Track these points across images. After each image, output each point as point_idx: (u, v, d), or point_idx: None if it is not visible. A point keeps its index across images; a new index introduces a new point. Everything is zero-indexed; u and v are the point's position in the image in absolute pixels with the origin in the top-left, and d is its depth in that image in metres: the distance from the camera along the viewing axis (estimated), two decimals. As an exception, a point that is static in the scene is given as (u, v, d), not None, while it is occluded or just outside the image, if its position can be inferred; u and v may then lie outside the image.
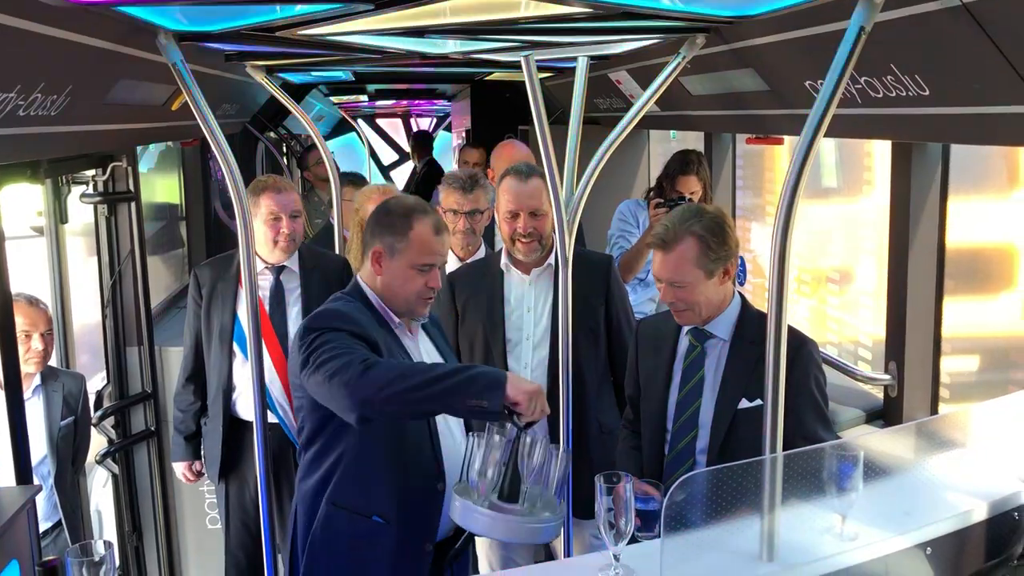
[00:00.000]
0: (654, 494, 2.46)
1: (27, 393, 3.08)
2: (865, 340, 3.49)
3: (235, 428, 3.59)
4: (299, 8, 2.14)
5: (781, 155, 4.23)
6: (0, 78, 1.94)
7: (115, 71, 2.63)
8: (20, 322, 3.01)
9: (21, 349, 3.00)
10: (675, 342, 2.59)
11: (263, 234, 3.41)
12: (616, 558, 1.99)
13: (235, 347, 3.54)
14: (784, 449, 2.09)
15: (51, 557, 1.64)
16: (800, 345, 2.39)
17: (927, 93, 2.14)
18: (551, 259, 3.10)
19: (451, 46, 3.15)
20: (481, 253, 3.63)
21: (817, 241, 3.97)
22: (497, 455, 2.15)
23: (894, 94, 2.27)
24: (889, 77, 2.23)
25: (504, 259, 3.15)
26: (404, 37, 2.85)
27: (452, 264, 3.58)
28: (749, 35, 2.73)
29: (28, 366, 3.20)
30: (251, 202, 3.33)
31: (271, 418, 3.43)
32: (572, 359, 2.90)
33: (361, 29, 2.60)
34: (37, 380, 3.32)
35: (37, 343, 3.23)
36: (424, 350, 2.49)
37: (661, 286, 2.49)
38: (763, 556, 2.03)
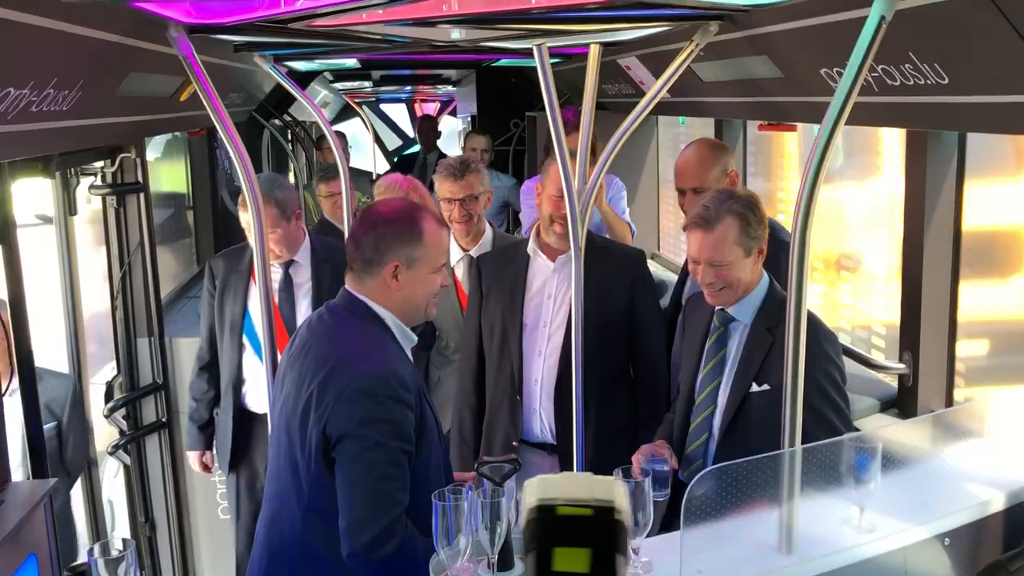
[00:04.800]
0: (664, 455, 2.52)
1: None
2: (878, 328, 3.47)
3: (245, 420, 3.61)
4: (306, 9, 2.12)
5: (790, 141, 4.20)
6: (14, 75, 1.94)
7: (126, 64, 2.62)
8: None
9: None
10: (710, 320, 2.67)
11: None
12: (635, 552, 1.99)
13: (245, 340, 3.55)
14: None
15: (81, 561, 1.64)
16: (809, 337, 2.39)
17: (946, 81, 2.12)
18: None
19: (460, 34, 3.13)
20: (488, 237, 3.61)
21: (827, 225, 3.95)
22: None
23: (912, 82, 2.25)
24: (907, 65, 2.21)
25: (532, 244, 3.15)
26: (414, 26, 2.83)
27: (455, 253, 3.57)
28: (764, 22, 2.71)
29: None
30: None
31: None
32: (585, 350, 2.91)
33: (371, 19, 2.58)
34: (15, 383, 3.12)
35: None
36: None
37: (698, 268, 2.54)
38: (782, 548, 2.03)
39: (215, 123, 2.51)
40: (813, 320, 2.50)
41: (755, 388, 2.51)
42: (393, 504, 2.01)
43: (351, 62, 6.09)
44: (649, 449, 2.61)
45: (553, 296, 3.09)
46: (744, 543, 2.06)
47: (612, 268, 3.06)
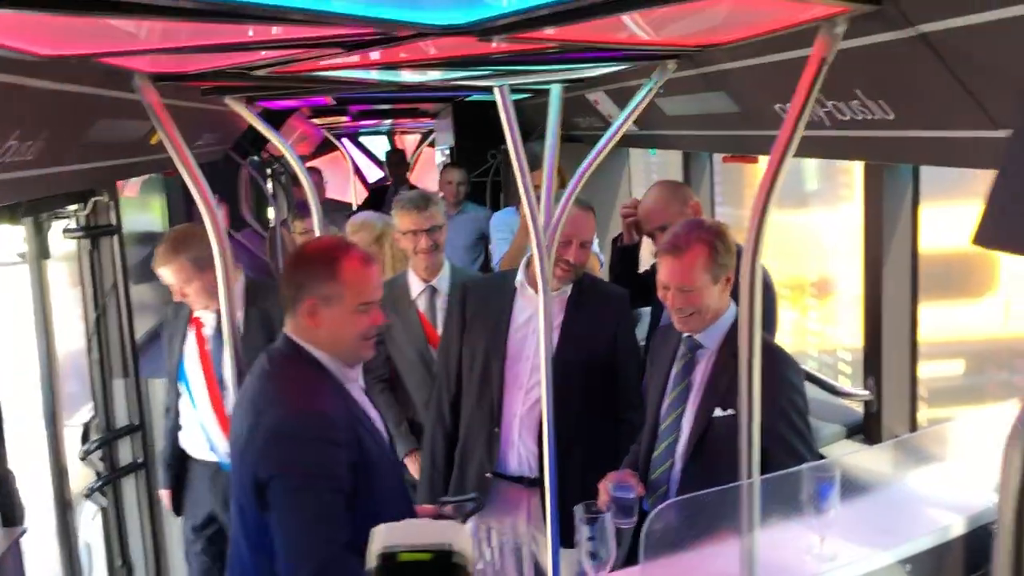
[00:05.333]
0: (631, 483, 2.56)
1: None
2: (844, 355, 3.52)
3: (184, 462, 3.71)
4: (271, 57, 2.16)
5: (759, 170, 4.28)
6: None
7: (93, 112, 2.65)
8: None
9: None
10: (676, 348, 2.72)
11: None
12: (598, 586, 2.01)
13: (180, 385, 3.63)
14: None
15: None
16: (772, 366, 2.43)
17: (892, 117, 2.18)
18: (568, 287, 3.14)
19: (428, 75, 3.18)
20: (447, 270, 3.63)
21: (797, 251, 4.02)
22: None
23: (861, 117, 2.31)
24: (855, 102, 2.27)
25: (521, 276, 3.18)
26: (380, 70, 2.88)
27: (416, 287, 3.59)
28: (719, 60, 2.78)
29: None
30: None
31: (212, 457, 3.55)
32: (566, 387, 2.92)
33: (338, 64, 2.62)
34: None
35: None
36: (367, 405, 2.35)
37: (668, 294, 2.60)
38: (744, 579, 2.06)
39: (181, 171, 2.54)
40: (774, 348, 2.55)
41: (719, 412, 2.55)
42: (326, 543, 2.00)
43: (325, 100, 6.14)
44: (616, 477, 2.65)
45: (538, 331, 3.12)
46: (705, 575, 2.08)
47: (599, 306, 3.12)
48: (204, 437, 3.58)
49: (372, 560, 1.08)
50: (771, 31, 2.11)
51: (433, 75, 3.01)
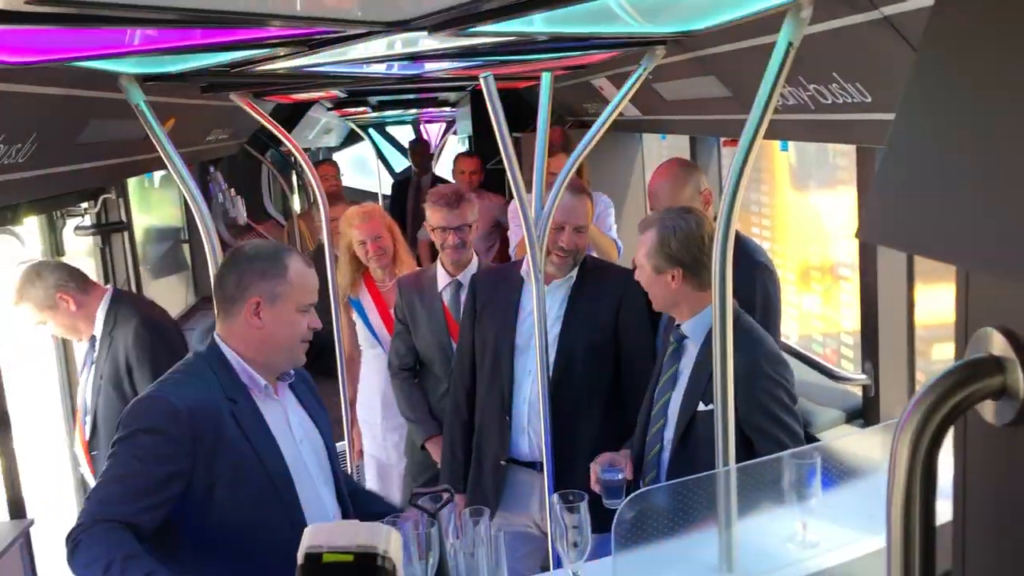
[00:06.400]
0: (620, 464, 2.56)
1: None
2: (847, 339, 3.49)
3: None
4: (246, 54, 2.18)
5: (768, 153, 4.24)
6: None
7: (85, 114, 2.70)
8: None
9: None
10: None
11: None
12: (575, 575, 2.02)
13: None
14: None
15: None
16: (748, 358, 2.40)
17: (870, 100, 2.16)
18: (574, 272, 3.15)
19: (416, 67, 3.19)
20: (473, 267, 3.67)
21: (803, 234, 3.97)
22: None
23: (841, 100, 2.28)
24: (834, 85, 2.25)
25: (525, 266, 3.20)
26: (368, 64, 2.89)
27: (443, 280, 3.64)
28: (706, 44, 2.76)
29: None
30: None
31: None
32: (568, 372, 3.01)
33: (320, 61, 2.64)
34: None
35: None
36: (292, 413, 2.25)
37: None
38: (722, 567, 2.06)
39: (171, 170, 2.58)
40: (754, 338, 2.51)
41: (701, 408, 2.51)
42: (101, 504, 1.93)
43: (332, 94, 6.16)
44: (607, 458, 2.65)
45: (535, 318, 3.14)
46: (685, 564, 2.08)
47: (600, 289, 3.12)
48: None
49: (299, 559, 1.10)
50: (743, 18, 2.09)
51: (423, 66, 3.02)
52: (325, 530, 1.13)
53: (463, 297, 3.55)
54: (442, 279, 3.63)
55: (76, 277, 3.26)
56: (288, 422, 2.21)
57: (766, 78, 1.90)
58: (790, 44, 1.88)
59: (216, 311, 2.19)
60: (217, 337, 2.17)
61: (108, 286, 3.43)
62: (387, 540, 1.11)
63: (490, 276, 3.39)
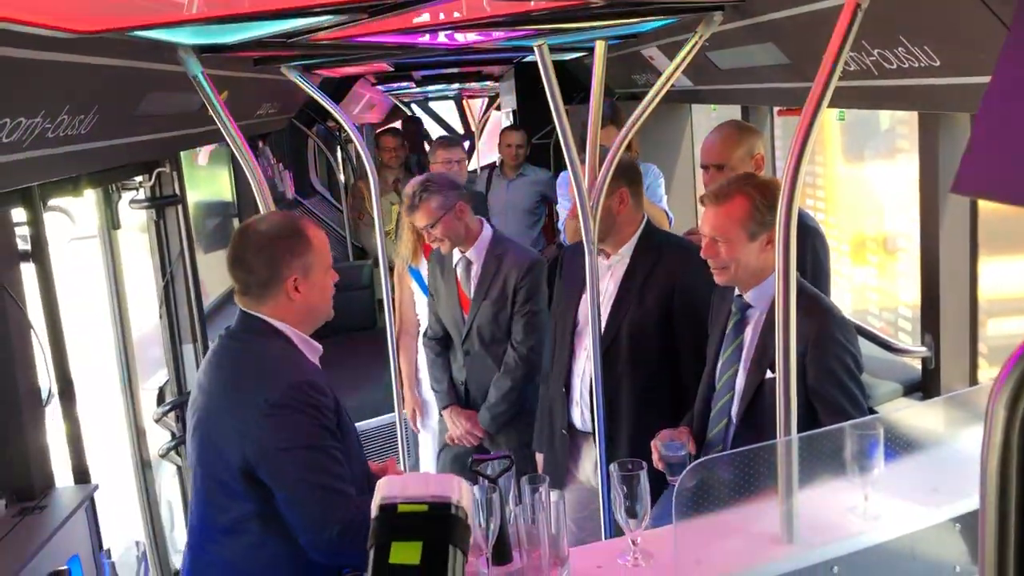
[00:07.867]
0: (682, 440, 2.56)
1: None
2: (904, 311, 3.43)
3: None
4: (303, 22, 2.19)
5: (824, 119, 4.15)
6: (25, 106, 2.05)
7: (142, 86, 2.73)
8: None
9: None
10: (731, 305, 2.67)
11: None
12: (634, 543, 2.02)
13: None
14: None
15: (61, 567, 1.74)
16: (819, 324, 2.38)
17: (938, 64, 2.10)
18: (631, 248, 3.17)
19: (468, 37, 3.18)
20: (484, 241, 3.71)
21: (860, 207, 3.90)
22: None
23: (907, 65, 2.22)
24: (900, 49, 2.19)
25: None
26: (421, 33, 2.89)
27: (455, 255, 3.74)
28: (766, 10, 2.70)
29: None
30: None
31: None
32: (619, 348, 3.05)
33: (376, 30, 2.64)
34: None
35: None
36: None
37: (705, 240, 2.56)
38: (783, 537, 2.04)
39: (229, 142, 2.61)
40: (822, 305, 2.49)
41: (770, 375, 2.48)
42: (343, 501, 2.05)
43: (382, 67, 6.17)
44: (668, 434, 2.65)
45: (602, 293, 3.14)
46: (745, 533, 2.07)
47: (654, 264, 3.12)
48: None
49: (373, 511, 1.12)
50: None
51: (472, 36, 3.01)
52: (398, 482, 1.15)
53: (472, 271, 3.72)
54: (455, 255, 3.77)
55: None
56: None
57: (832, 42, 1.86)
58: (858, 6, 1.83)
59: (242, 293, 2.22)
60: (255, 313, 2.20)
61: None
62: (459, 491, 1.13)
63: (571, 252, 3.44)
